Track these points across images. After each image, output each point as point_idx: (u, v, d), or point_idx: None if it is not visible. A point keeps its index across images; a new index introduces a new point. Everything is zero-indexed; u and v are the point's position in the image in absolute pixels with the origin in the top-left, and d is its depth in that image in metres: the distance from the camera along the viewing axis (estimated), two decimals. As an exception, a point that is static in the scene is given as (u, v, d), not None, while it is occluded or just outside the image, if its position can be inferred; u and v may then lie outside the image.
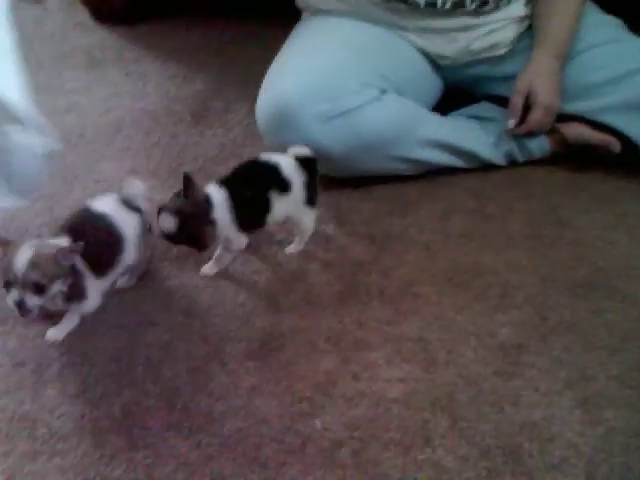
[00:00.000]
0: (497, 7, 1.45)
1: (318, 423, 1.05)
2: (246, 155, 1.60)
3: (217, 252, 1.30)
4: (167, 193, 1.37)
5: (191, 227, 1.20)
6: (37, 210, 1.45)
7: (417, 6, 1.42)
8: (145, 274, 1.29)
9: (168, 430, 1.05)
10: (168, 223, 1.19)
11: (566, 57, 1.47)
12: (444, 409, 1.06)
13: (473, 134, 1.52)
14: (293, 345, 1.18)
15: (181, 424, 1.06)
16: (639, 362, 1.13)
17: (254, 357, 1.16)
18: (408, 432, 1.04)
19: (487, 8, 1.44)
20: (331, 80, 1.37)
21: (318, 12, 1.54)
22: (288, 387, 1.11)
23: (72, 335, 1.19)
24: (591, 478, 0.98)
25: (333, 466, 1.00)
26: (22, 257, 1.07)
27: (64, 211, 1.41)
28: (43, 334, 1.20)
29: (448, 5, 1.41)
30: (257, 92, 1.45)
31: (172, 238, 1.21)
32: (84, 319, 1.21)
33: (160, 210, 1.20)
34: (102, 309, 1.23)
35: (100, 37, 2.07)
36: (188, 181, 1.18)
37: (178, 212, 1.18)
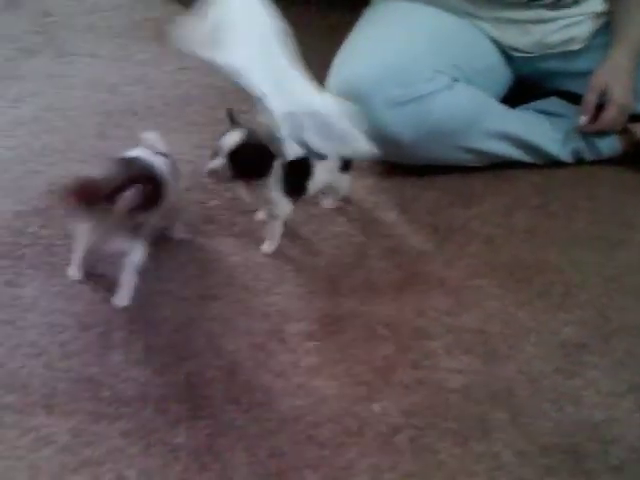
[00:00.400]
0: (576, 2, 1.43)
1: (376, 407, 1.06)
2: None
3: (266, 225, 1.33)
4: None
5: (250, 151, 1.20)
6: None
7: (495, -4, 1.41)
8: (210, 249, 1.31)
9: (229, 402, 1.08)
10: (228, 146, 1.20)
11: None
12: (503, 403, 1.07)
13: (542, 129, 1.50)
14: (352, 328, 1.19)
15: (241, 398, 1.08)
16: None
17: (314, 337, 1.17)
18: (466, 423, 1.04)
19: (566, 1, 1.41)
20: (405, 65, 1.37)
21: (390, -3, 1.53)
22: (347, 370, 1.12)
23: (137, 304, 1.22)
24: (653, 483, 0.98)
25: (390, 451, 1.01)
26: None
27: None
28: (109, 299, 1.23)
29: (527, -4, 1.40)
30: (323, 75, 1.45)
31: (234, 164, 1.20)
32: (150, 290, 1.24)
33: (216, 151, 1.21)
34: (167, 280, 1.26)
35: (170, 10, 2.09)
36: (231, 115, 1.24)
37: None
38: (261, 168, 1.23)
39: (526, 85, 1.61)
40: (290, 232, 1.36)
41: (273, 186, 1.26)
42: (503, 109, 1.51)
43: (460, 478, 0.98)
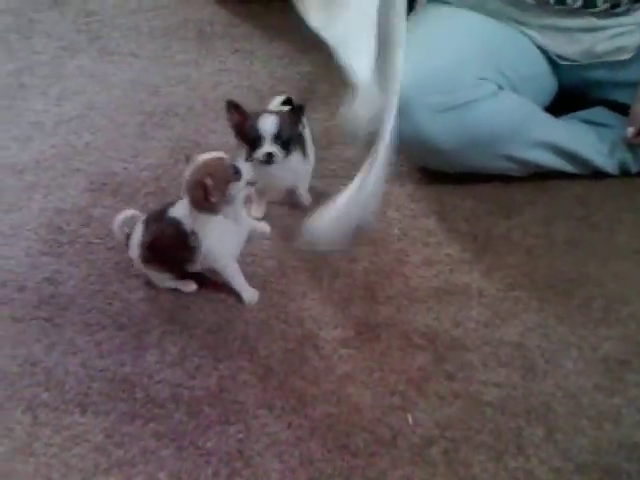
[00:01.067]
0: (628, 11, 1.39)
1: (410, 418, 1.05)
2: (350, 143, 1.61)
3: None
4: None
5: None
6: (144, 179, 1.50)
7: (546, 2, 1.38)
8: (245, 252, 1.31)
9: (261, 408, 1.08)
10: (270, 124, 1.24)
11: None
12: (540, 419, 1.04)
13: (587, 139, 1.47)
14: (388, 337, 1.18)
15: (273, 403, 1.08)
16: None
17: (348, 345, 1.16)
18: (501, 437, 1.02)
19: (618, 10, 1.38)
20: (449, 72, 1.35)
21: (435, 1, 1.51)
22: (381, 379, 1.11)
23: (173, 305, 1.23)
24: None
25: (423, 463, 1.00)
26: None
27: (170, 182, 1.46)
28: (145, 299, 1.24)
29: (579, 3, 1.36)
30: (365, 78, 1.44)
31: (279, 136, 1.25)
32: (186, 293, 1.25)
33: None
34: (203, 283, 1.26)
35: (210, 11, 2.10)
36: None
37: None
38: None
39: (572, 94, 1.58)
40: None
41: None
42: (548, 118, 1.48)
43: (494, 494, 0.96)
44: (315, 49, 1.92)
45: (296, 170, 1.35)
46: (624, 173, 1.49)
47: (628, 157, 1.47)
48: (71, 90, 1.81)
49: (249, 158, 1.26)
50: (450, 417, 1.05)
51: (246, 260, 1.30)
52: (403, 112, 1.33)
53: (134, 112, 1.71)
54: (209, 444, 1.03)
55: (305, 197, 1.43)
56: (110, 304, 1.23)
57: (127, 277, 1.28)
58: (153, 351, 1.16)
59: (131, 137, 1.63)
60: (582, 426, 1.03)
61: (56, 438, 1.04)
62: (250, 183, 1.20)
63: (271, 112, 1.30)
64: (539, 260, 1.31)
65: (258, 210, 1.40)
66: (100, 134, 1.65)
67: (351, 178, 1.17)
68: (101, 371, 1.14)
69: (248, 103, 1.69)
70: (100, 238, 1.36)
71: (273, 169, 1.28)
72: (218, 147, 1.54)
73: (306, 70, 1.84)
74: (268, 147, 1.24)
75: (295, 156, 1.31)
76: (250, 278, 1.26)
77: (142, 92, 1.78)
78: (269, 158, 1.25)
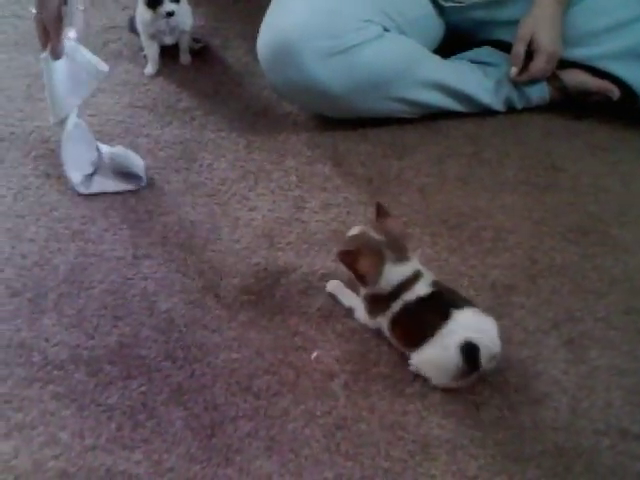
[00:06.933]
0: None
1: (314, 355, 1.08)
2: (244, 93, 1.60)
3: None
4: (165, 127, 1.42)
5: None
6: (32, 142, 1.45)
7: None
8: (142, 209, 1.30)
9: (163, 360, 1.08)
10: None
11: (568, 3, 1.45)
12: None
13: (474, 78, 1.51)
14: (288, 281, 1.19)
15: (176, 354, 1.09)
16: (625, 305, 1.16)
17: (249, 292, 1.18)
18: (397, 367, 1.06)
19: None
20: (333, 17, 1.35)
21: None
22: (282, 321, 1.13)
23: (68, 266, 1.21)
24: (573, 413, 1.01)
25: (324, 397, 1.03)
26: None
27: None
28: (40, 264, 1.21)
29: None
30: (256, 29, 1.43)
31: None
32: (81, 252, 1.22)
33: None
34: (99, 242, 1.24)
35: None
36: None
37: None
38: None
39: (460, 36, 1.61)
40: (227, 190, 1.36)
41: None
42: (436, 59, 1.50)
43: (391, 418, 1.00)
44: (205, 3, 1.90)
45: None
46: (510, 109, 1.54)
47: (513, 94, 1.52)
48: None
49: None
50: (349, 352, 1.09)
51: (140, 218, 1.29)
52: (291, 58, 1.35)
53: (20, 75, 1.64)
54: (111, 400, 1.02)
55: (184, 57, 1.66)
56: (2, 270, 1.20)
57: (19, 242, 1.24)
58: (50, 314, 1.14)
59: (17, 100, 1.57)
60: (473, 349, 1.09)
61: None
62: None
63: None
64: (432, 197, 1.35)
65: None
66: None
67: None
68: (-4, 338, 1.11)
69: (138, 60, 1.68)
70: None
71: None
72: (108, 106, 1.53)
73: (199, 24, 1.79)
74: (168, 6, 1.52)
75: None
76: (146, 233, 1.25)
77: (27, 54, 1.71)
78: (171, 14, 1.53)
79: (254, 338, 1.11)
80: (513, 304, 1.15)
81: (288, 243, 1.26)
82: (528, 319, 1.13)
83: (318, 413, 1.01)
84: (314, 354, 1.08)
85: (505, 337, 1.09)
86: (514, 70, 1.47)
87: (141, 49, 1.66)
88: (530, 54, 1.46)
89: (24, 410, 1.01)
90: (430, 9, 1.53)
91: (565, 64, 1.48)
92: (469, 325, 0.99)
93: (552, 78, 1.50)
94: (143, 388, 1.04)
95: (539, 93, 1.52)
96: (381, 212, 1.08)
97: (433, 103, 1.49)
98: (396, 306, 1.03)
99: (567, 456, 0.97)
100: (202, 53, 1.71)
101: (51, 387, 1.04)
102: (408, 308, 1.02)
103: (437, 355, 1.00)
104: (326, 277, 1.20)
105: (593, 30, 1.46)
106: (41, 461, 0.95)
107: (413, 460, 0.96)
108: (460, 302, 1.03)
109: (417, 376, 1.05)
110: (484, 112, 1.54)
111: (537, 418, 1.01)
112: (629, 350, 1.10)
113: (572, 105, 1.53)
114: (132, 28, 1.70)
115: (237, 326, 1.13)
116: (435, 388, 1.03)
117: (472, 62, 1.55)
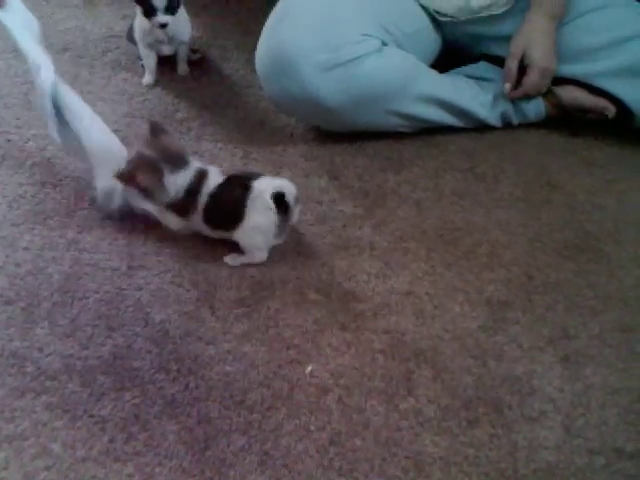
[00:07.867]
0: (499, -35, 1.44)
1: (309, 368, 1.07)
2: (241, 104, 1.60)
3: None
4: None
5: None
6: (29, 150, 1.44)
7: (421, -39, 1.41)
8: (137, 220, 1.30)
9: (157, 372, 1.07)
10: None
11: (562, 19, 1.46)
12: (428, 361, 1.09)
13: (470, 93, 1.51)
14: (283, 294, 1.19)
15: (170, 366, 1.08)
16: (620, 322, 1.16)
17: (244, 304, 1.17)
18: (392, 381, 1.06)
19: (488, -34, 1.42)
20: (332, 30, 1.36)
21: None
22: (277, 334, 1.13)
23: (63, 275, 1.20)
24: (568, 431, 1.01)
25: (318, 411, 1.02)
26: None
27: (57, 152, 1.42)
28: (33, 273, 1.20)
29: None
30: (254, 41, 1.44)
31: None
32: (76, 262, 1.22)
33: None
34: (94, 251, 1.24)
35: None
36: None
37: None
38: None
39: (456, 50, 1.62)
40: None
41: None
42: (433, 73, 1.51)
43: (385, 434, 1.00)
44: (205, 14, 1.91)
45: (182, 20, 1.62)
46: (507, 125, 1.55)
47: (509, 109, 1.53)
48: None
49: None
50: (344, 366, 1.08)
51: (136, 229, 1.28)
52: (289, 71, 1.35)
53: (18, 82, 1.64)
54: (103, 412, 1.01)
55: (182, 68, 1.67)
56: (-4, 280, 1.20)
57: (13, 251, 1.24)
58: (43, 324, 1.13)
59: (15, 108, 1.56)
60: (468, 365, 1.09)
61: (-58, 418, 1.01)
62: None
63: None
64: (428, 212, 1.35)
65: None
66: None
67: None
68: (-11, 348, 1.10)
69: (139, 71, 1.69)
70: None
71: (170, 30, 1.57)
72: (105, 115, 1.53)
73: (196, 35, 1.80)
74: (161, 18, 1.52)
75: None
76: (141, 244, 1.25)
77: (25, 62, 1.70)
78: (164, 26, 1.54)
79: (248, 351, 1.10)
80: (508, 320, 1.15)
81: (283, 255, 1.26)
82: (523, 335, 1.13)
83: (312, 428, 1.01)
84: (309, 368, 1.08)
85: (500, 353, 1.10)
86: (507, 86, 1.48)
87: (139, 59, 1.66)
88: (524, 70, 1.47)
89: (15, 421, 1.00)
90: (427, 24, 1.54)
91: (561, 81, 1.49)
92: (268, 185, 1.17)
93: (548, 94, 1.51)
94: (136, 400, 1.03)
95: (536, 109, 1.53)
96: (155, 130, 1.19)
97: (430, 117, 1.49)
98: (202, 200, 1.18)
99: (561, 475, 0.97)
100: (200, 64, 1.71)
101: (44, 398, 1.03)
102: (213, 196, 1.18)
103: (255, 221, 1.17)
104: (320, 290, 1.20)
105: (589, 47, 1.47)
106: (32, 473, 0.94)
107: (407, 477, 0.96)
108: (254, 175, 1.20)
109: (411, 391, 1.04)
110: (481, 127, 1.54)
111: (531, 436, 1.00)
112: (624, 368, 1.10)
113: (569, 122, 1.54)
114: (130, 37, 1.70)
115: (232, 338, 1.12)
116: (430, 403, 1.03)
117: (469, 77, 1.56)
